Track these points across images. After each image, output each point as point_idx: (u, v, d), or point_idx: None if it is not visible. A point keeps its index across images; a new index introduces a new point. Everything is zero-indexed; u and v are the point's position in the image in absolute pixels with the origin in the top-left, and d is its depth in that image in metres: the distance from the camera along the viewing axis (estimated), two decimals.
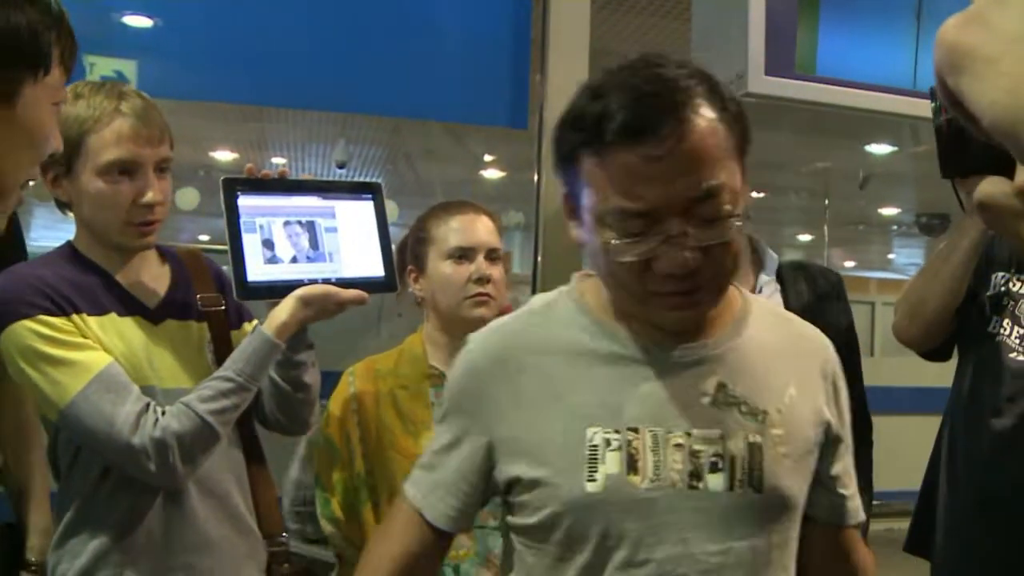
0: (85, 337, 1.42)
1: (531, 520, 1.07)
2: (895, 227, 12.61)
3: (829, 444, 1.15)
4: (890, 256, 15.53)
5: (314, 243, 1.52)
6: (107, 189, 1.45)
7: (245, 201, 1.49)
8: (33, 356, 1.39)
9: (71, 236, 1.55)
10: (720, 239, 1.00)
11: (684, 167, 0.97)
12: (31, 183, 1.00)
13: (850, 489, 1.19)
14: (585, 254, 1.11)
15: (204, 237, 10.68)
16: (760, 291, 1.84)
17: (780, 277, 1.89)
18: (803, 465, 1.10)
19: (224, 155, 8.53)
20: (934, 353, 1.94)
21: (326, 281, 1.50)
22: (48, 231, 6.50)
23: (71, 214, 1.52)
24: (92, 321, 1.44)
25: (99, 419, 1.37)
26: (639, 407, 1.05)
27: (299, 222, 1.52)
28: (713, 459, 1.04)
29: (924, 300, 1.86)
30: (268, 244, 1.49)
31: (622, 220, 1.00)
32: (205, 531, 1.49)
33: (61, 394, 1.39)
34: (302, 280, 1.48)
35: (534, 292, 2.26)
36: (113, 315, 1.47)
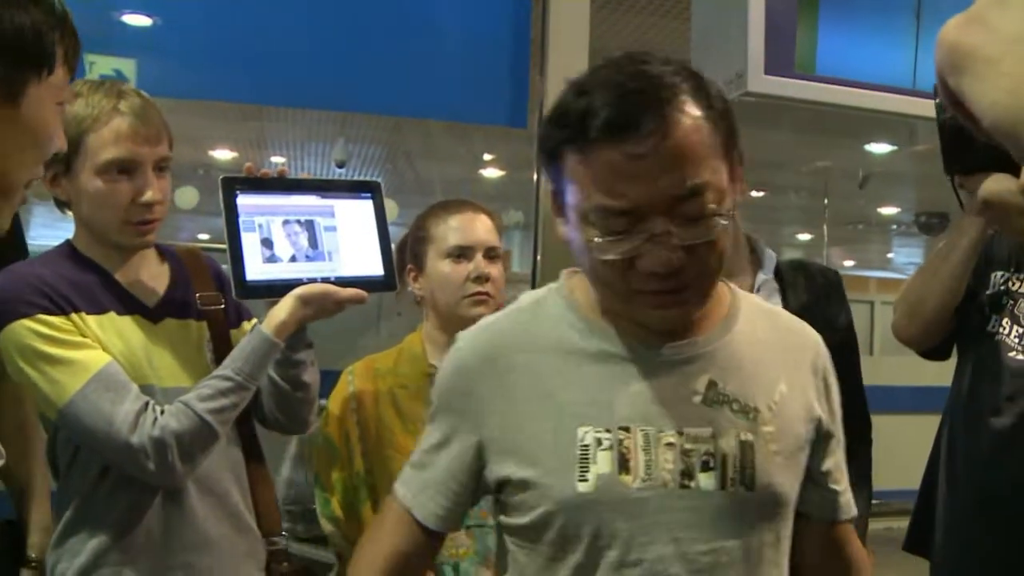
0: (84, 336, 1.42)
1: (523, 520, 1.07)
2: (894, 226, 12.62)
3: (820, 440, 1.14)
4: (889, 255, 15.56)
5: (313, 242, 1.52)
6: (106, 188, 1.45)
7: (244, 200, 1.49)
8: (32, 355, 1.39)
9: (70, 235, 1.54)
10: (704, 238, 0.99)
11: (668, 165, 0.96)
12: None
13: (842, 484, 1.18)
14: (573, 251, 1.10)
15: (203, 236, 10.69)
16: (758, 290, 1.83)
17: (779, 276, 1.88)
18: (794, 462, 1.10)
19: (223, 154, 8.53)
20: (933, 352, 1.94)
21: (325, 280, 1.49)
22: (48, 229, 6.50)
23: (70, 213, 1.51)
24: (91, 320, 1.44)
25: (98, 418, 1.37)
26: (630, 406, 1.05)
27: (298, 221, 1.52)
28: (705, 458, 1.04)
29: (923, 299, 1.86)
30: (267, 243, 1.49)
31: (605, 218, 0.99)
32: (204, 530, 1.49)
33: (60, 393, 1.38)
34: (301, 279, 1.48)
35: None
36: (112, 314, 1.47)
